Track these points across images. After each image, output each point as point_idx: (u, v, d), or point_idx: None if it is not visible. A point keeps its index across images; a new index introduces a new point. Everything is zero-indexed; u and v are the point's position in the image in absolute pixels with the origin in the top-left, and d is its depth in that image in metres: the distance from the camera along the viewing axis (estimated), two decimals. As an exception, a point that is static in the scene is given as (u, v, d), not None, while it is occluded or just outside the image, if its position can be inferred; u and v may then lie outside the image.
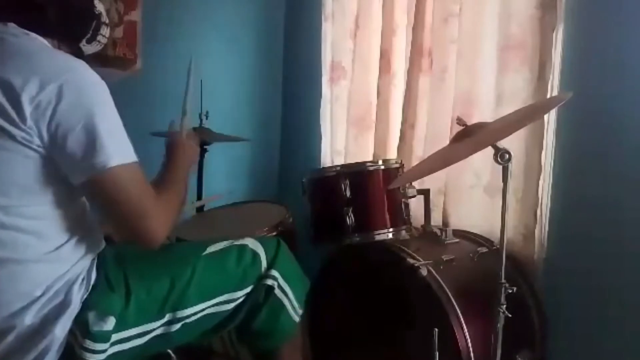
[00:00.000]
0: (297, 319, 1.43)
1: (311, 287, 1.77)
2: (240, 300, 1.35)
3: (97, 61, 1.26)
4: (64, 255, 1.14)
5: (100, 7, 1.28)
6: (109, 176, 1.09)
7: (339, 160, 2.45)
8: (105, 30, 1.30)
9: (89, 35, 1.25)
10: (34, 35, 1.15)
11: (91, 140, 1.07)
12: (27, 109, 1.04)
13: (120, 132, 1.13)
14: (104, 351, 1.15)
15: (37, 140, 1.06)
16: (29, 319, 1.10)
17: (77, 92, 1.07)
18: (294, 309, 1.41)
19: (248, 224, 1.83)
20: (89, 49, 1.28)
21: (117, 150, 1.10)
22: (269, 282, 1.37)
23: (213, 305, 1.31)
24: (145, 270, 1.26)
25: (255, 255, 1.38)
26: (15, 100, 1.03)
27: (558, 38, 1.69)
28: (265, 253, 1.39)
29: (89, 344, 1.13)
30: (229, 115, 2.59)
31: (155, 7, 2.44)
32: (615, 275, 1.59)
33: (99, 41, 1.29)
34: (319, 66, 2.53)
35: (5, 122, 1.04)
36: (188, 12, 2.56)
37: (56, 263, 1.13)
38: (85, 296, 1.15)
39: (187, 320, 1.28)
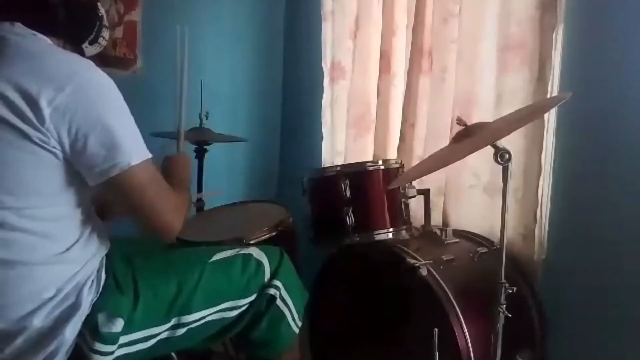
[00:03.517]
0: (296, 330, 1.44)
1: (311, 287, 1.77)
2: (244, 308, 1.36)
3: (97, 61, 1.27)
4: (73, 257, 1.14)
5: (102, 10, 1.29)
6: (129, 175, 1.12)
7: (339, 161, 2.44)
8: (105, 33, 1.31)
9: (92, 36, 1.27)
10: (40, 35, 1.15)
11: (110, 141, 1.09)
12: (46, 111, 1.04)
13: (134, 130, 1.15)
14: (111, 353, 1.16)
15: (53, 142, 1.06)
16: (39, 321, 1.10)
17: (93, 94, 1.09)
18: (294, 320, 1.42)
19: (248, 224, 1.83)
20: (90, 50, 1.29)
21: (135, 148, 1.13)
22: (272, 291, 1.38)
23: (217, 312, 1.32)
24: (154, 274, 1.27)
25: (259, 264, 1.39)
26: (31, 102, 1.04)
27: (558, 38, 1.68)
28: (269, 263, 1.40)
29: (98, 345, 1.14)
30: (229, 115, 2.59)
31: (155, 7, 2.44)
32: (615, 276, 1.59)
33: (99, 43, 1.30)
34: (319, 66, 2.53)
35: (22, 123, 1.04)
36: (188, 12, 2.56)
37: (66, 265, 1.13)
38: (95, 298, 1.16)
39: (192, 326, 1.28)
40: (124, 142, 1.10)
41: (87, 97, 1.08)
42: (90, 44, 1.27)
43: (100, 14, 1.27)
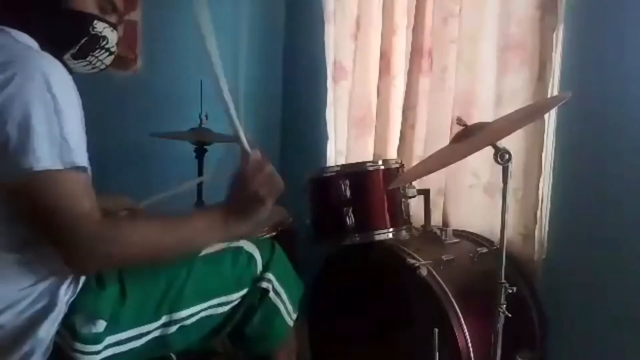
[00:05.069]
0: (291, 322, 1.41)
1: (311, 287, 1.77)
2: (236, 302, 1.34)
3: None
4: (48, 256, 1.09)
5: (107, 34, 1.22)
6: (36, 180, 0.99)
7: (341, 161, 2.45)
8: (103, 56, 1.25)
9: (74, 50, 1.20)
10: (9, 30, 1.11)
11: (23, 139, 0.98)
12: None
13: (66, 134, 1.02)
14: (97, 352, 1.13)
15: None
16: (10, 320, 1.07)
17: (23, 85, 1.00)
18: (288, 312, 1.40)
19: (248, 224, 1.83)
20: (77, 67, 1.22)
21: (51, 153, 1.00)
22: (264, 285, 1.36)
23: (209, 308, 1.30)
24: (142, 271, 1.24)
25: (250, 257, 1.37)
26: None
27: (558, 38, 1.69)
28: (261, 255, 1.38)
29: (79, 346, 1.11)
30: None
31: (155, 7, 2.44)
32: (615, 276, 1.59)
33: (90, 62, 1.23)
34: (320, 66, 2.53)
35: None
36: (188, 13, 2.55)
37: (39, 264, 1.09)
38: (72, 298, 1.13)
39: (184, 323, 1.26)
40: (37, 144, 0.98)
41: (15, 87, 0.99)
42: (75, 58, 1.20)
43: (93, 32, 1.20)
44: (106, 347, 1.16)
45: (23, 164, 0.98)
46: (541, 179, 1.73)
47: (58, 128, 1.01)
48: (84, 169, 1.05)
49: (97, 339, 1.13)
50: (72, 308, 1.12)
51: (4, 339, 1.07)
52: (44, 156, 0.99)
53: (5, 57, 1.03)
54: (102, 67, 1.27)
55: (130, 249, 1.10)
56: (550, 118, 1.72)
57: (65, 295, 1.12)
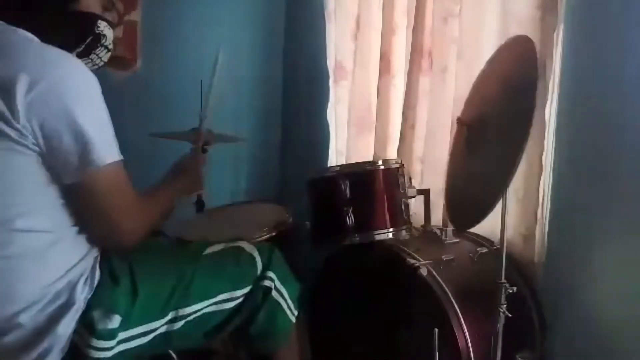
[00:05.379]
0: (293, 319, 1.45)
1: (311, 287, 1.77)
2: (240, 299, 1.37)
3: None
4: (65, 255, 1.15)
5: (106, 32, 1.28)
6: (98, 176, 1.12)
7: (341, 161, 2.44)
8: (102, 53, 1.30)
9: (80, 49, 1.25)
10: (22, 31, 1.14)
11: (83, 140, 1.08)
12: (20, 107, 1.04)
13: (107, 131, 1.15)
14: (111, 348, 1.17)
15: (31, 139, 1.06)
16: (30, 319, 1.10)
17: (65, 91, 1.08)
18: (290, 309, 1.44)
19: (248, 223, 1.83)
20: None
21: (107, 149, 1.13)
22: (267, 283, 1.39)
23: (214, 304, 1.33)
24: (151, 270, 1.28)
25: (251, 256, 1.42)
26: (7, 98, 1.03)
27: (558, 38, 1.68)
28: (260, 255, 1.43)
29: (96, 342, 1.14)
30: (230, 115, 2.59)
31: (155, 7, 2.44)
32: (615, 276, 1.59)
33: (91, 60, 1.29)
34: (321, 66, 2.52)
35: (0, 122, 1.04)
36: (188, 13, 2.56)
37: (57, 263, 1.13)
38: (89, 295, 1.16)
39: (189, 318, 1.29)
40: (94, 143, 1.10)
41: (61, 93, 1.07)
42: (79, 56, 1.25)
43: (97, 31, 1.26)
44: (118, 343, 1.19)
45: (87, 162, 1.09)
46: (542, 179, 1.72)
47: (105, 125, 1.14)
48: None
49: (112, 334, 1.17)
50: (89, 305, 1.16)
51: (23, 337, 1.10)
52: (104, 153, 1.11)
53: (35, 63, 1.08)
54: (101, 64, 1.31)
55: (150, 227, 1.28)
56: (551, 118, 1.72)
57: (82, 292, 1.15)
